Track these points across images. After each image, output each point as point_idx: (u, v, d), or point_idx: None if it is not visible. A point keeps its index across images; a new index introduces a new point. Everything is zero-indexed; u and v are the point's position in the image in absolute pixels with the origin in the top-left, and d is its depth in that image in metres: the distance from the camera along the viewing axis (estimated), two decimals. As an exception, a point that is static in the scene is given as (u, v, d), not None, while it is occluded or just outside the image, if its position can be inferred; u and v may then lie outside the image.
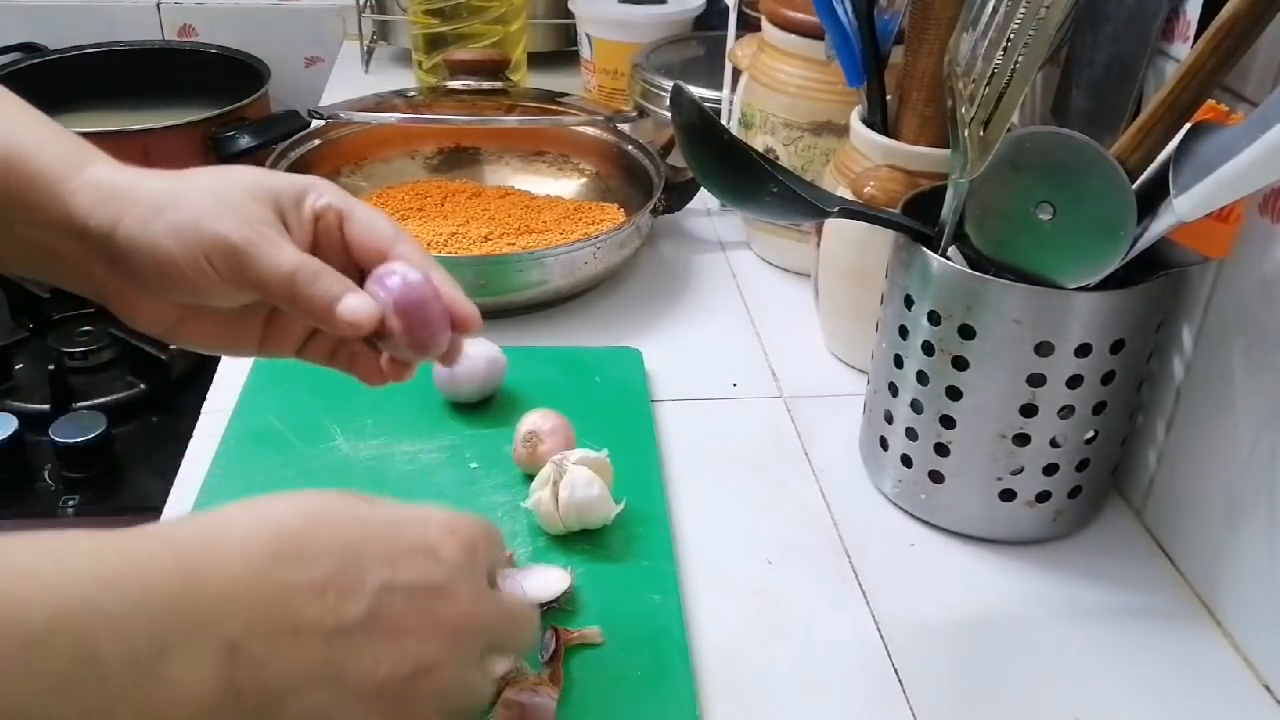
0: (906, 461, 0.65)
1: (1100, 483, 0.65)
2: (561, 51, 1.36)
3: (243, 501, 0.39)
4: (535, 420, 0.66)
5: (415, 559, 0.40)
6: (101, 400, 1.03)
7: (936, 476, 0.64)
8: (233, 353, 0.53)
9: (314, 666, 0.36)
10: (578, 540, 0.62)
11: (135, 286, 0.47)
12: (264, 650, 0.35)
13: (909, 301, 0.62)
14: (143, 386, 1.05)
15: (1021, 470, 0.62)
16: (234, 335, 0.51)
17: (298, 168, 0.95)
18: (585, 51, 1.21)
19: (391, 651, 0.38)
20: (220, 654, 0.35)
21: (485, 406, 0.73)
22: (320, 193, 0.49)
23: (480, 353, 0.71)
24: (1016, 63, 0.54)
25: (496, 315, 0.84)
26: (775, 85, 0.87)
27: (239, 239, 0.45)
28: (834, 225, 0.76)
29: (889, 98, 0.74)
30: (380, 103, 0.99)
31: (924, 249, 0.61)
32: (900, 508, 0.67)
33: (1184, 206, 0.51)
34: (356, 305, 0.46)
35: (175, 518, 0.38)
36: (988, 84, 0.55)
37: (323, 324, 0.47)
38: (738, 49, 0.93)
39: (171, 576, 0.34)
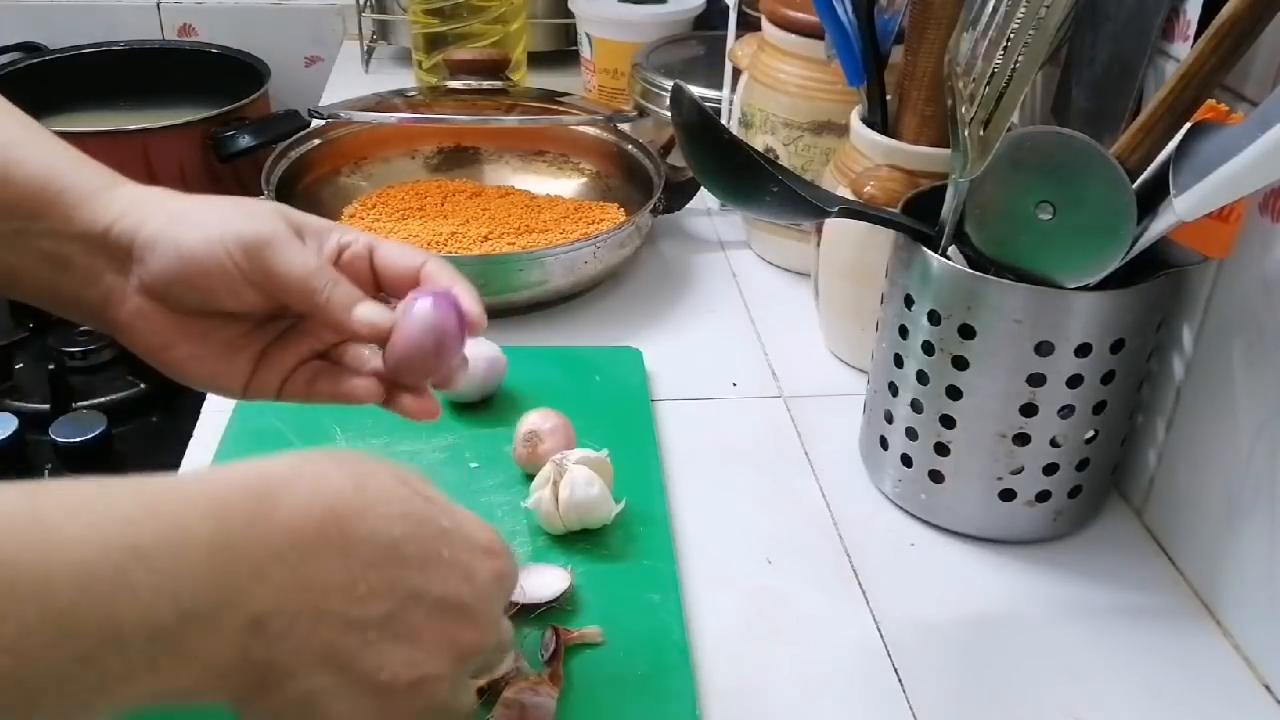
0: (906, 461, 0.65)
1: (1100, 482, 0.65)
2: (561, 51, 1.36)
3: (303, 458, 0.39)
4: (535, 420, 0.66)
5: (450, 575, 0.41)
6: (101, 400, 1.03)
7: (936, 476, 0.64)
8: (216, 387, 0.51)
9: (325, 652, 0.37)
10: (578, 540, 0.62)
11: (144, 291, 0.47)
12: (284, 628, 0.36)
13: (909, 301, 0.62)
14: (143, 386, 1.05)
15: (1021, 470, 0.62)
16: (224, 364, 0.50)
17: (298, 167, 0.95)
18: (585, 51, 1.21)
19: (400, 656, 0.39)
20: (242, 627, 0.35)
21: (485, 406, 0.73)
22: (347, 230, 0.51)
23: (480, 352, 0.71)
24: (1016, 62, 0.54)
25: (496, 315, 0.83)
26: (775, 85, 0.87)
27: (267, 230, 0.46)
28: (834, 225, 0.76)
29: (889, 97, 0.74)
30: (380, 102, 0.99)
31: (924, 249, 0.61)
32: (900, 507, 0.67)
33: (1184, 206, 0.51)
34: (372, 309, 0.47)
35: (232, 465, 0.38)
36: (988, 83, 0.55)
37: (337, 325, 0.47)
38: (738, 48, 0.93)
39: (209, 546, 0.34)
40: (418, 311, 0.47)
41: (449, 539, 0.41)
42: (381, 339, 0.48)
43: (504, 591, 0.44)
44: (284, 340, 0.51)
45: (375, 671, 0.38)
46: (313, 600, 0.37)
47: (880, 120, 0.74)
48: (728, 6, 0.96)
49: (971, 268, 0.60)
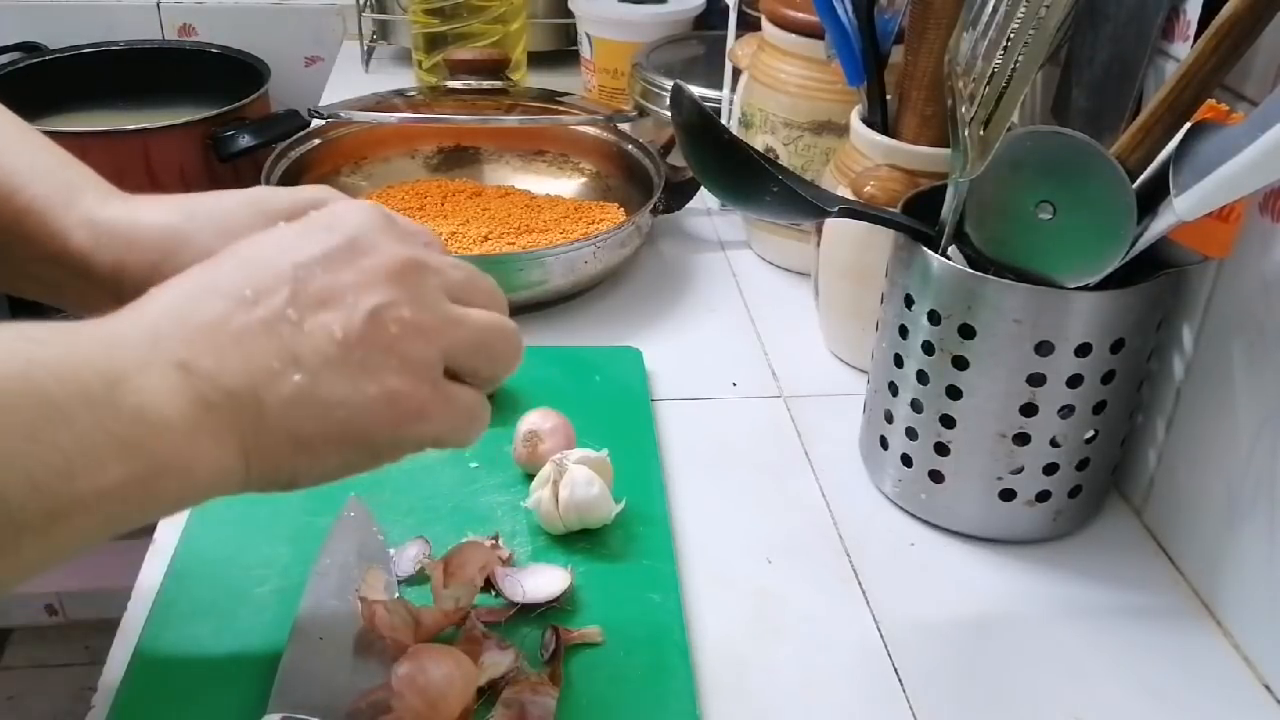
0: (906, 461, 0.65)
1: (1100, 482, 0.65)
2: (561, 51, 1.36)
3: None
4: (535, 420, 0.66)
5: (314, 235, 0.41)
6: (101, 400, 1.03)
7: (936, 476, 0.64)
8: None
9: (268, 356, 0.38)
10: (578, 540, 0.62)
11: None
12: (214, 363, 0.37)
13: (909, 301, 0.62)
14: (143, 386, 1.05)
15: (1021, 470, 0.62)
16: None
17: (298, 167, 0.95)
18: (585, 51, 1.21)
19: (336, 314, 0.39)
20: (173, 375, 0.36)
21: (485, 406, 0.73)
22: (321, 201, 0.49)
23: (480, 352, 0.71)
24: (1016, 62, 0.54)
25: (496, 315, 0.84)
26: (775, 84, 0.87)
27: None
28: (834, 225, 0.76)
29: (889, 97, 0.74)
30: (380, 102, 0.99)
31: (924, 248, 0.61)
32: (900, 507, 0.67)
33: (1184, 206, 0.51)
34: None
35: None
36: (988, 83, 0.55)
37: None
38: (738, 48, 0.93)
39: (97, 332, 0.36)
40: None
41: (295, 225, 0.42)
42: None
43: (385, 218, 0.43)
44: None
45: (327, 339, 0.39)
46: (218, 326, 0.38)
47: (880, 120, 0.74)
48: (728, 6, 0.96)
49: (971, 268, 0.60)
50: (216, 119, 1.23)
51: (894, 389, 0.65)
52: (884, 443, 0.67)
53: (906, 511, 0.67)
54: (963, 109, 0.56)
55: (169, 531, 0.61)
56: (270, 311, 0.38)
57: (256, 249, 0.41)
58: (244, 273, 0.39)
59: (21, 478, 0.32)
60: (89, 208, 0.47)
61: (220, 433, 0.37)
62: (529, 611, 0.56)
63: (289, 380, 0.38)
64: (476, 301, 0.44)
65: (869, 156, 0.74)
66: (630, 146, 0.99)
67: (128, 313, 0.38)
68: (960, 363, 0.60)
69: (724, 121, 0.95)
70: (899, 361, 0.64)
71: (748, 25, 0.98)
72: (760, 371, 0.81)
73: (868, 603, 0.61)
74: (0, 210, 0.47)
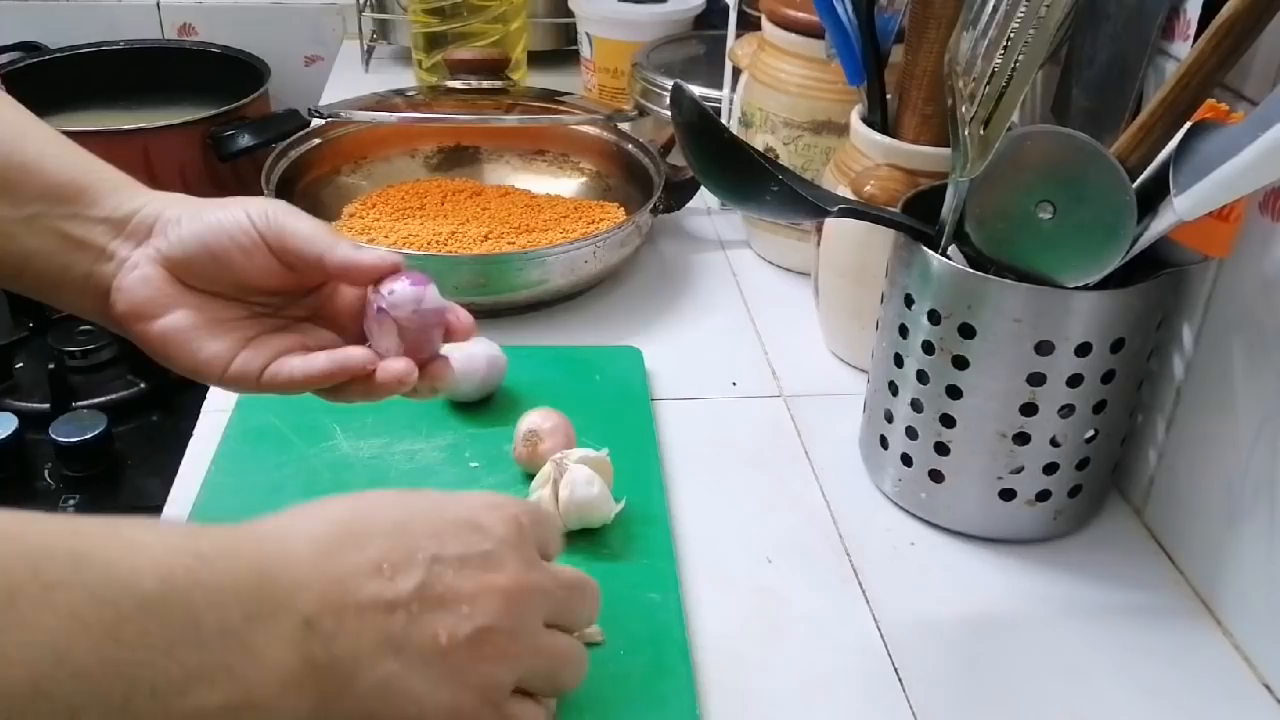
0: (906, 460, 0.65)
1: (1100, 482, 0.65)
2: (562, 50, 1.36)
3: (302, 504, 0.43)
4: (535, 419, 0.66)
5: (461, 533, 0.43)
6: (101, 400, 1.03)
7: (936, 475, 0.64)
8: (195, 364, 0.51)
9: (379, 637, 0.40)
10: (578, 539, 0.62)
11: (159, 260, 0.50)
12: (333, 625, 0.39)
13: (909, 300, 0.62)
14: (143, 386, 1.05)
15: (1021, 469, 0.62)
16: (211, 340, 0.51)
17: (298, 167, 0.95)
18: (585, 50, 1.21)
19: (448, 619, 0.41)
20: (298, 628, 0.38)
21: (485, 405, 0.73)
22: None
23: (480, 351, 0.71)
24: (1016, 62, 0.54)
25: (496, 314, 0.84)
26: (775, 84, 0.87)
27: (280, 203, 0.52)
28: (834, 224, 0.76)
29: (889, 97, 0.74)
30: (380, 102, 0.99)
31: (924, 248, 0.61)
32: (900, 506, 0.67)
33: (1184, 205, 0.51)
34: (373, 251, 0.52)
35: (248, 522, 0.42)
36: (988, 83, 0.55)
37: (340, 267, 0.51)
38: (738, 48, 0.93)
39: (254, 559, 0.39)
40: (402, 286, 0.51)
41: (448, 508, 0.45)
42: (383, 275, 0.51)
43: (525, 534, 0.45)
44: (275, 333, 0.53)
45: (432, 639, 0.41)
46: (349, 594, 0.40)
47: (880, 120, 0.74)
48: (728, 6, 0.96)
49: (971, 267, 0.60)
50: (216, 119, 1.23)
51: (894, 388, 0.65)
52: (884, 442, 0.67)
53: (906, 511, 0.67)
54: (963, 108, 0.56)
55: (169, 531, 0.61)
56: (397, 595, 0.41)
57: (411, 520, 0.43)
58: (391, 543, 0.42)
59: (145, 686, 0.34)
60: (151, 191, 0.53)
61: (309, 690, 0.39)
62: (529, 611, 0.56)
63: (386, 665, 0.40)
64: (571, 624, 0.47)
65: (869, 156, 0.74)
66: (630, 146, 0.99)
67: (278, 536, 0.40)
68: (960, 362, 0.60)
69: (724, 121, 0.95)
70: (899, 361, 0.64)
71: (748, 25, 0.98)
72: (760, 371, 0.81)
73: (868, 602, 0.61)
74: (72, 183, 0.51)
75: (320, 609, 0.39)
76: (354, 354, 0.51)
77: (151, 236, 0.51)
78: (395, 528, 0.42)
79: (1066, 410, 0.60)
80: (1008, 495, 0.63)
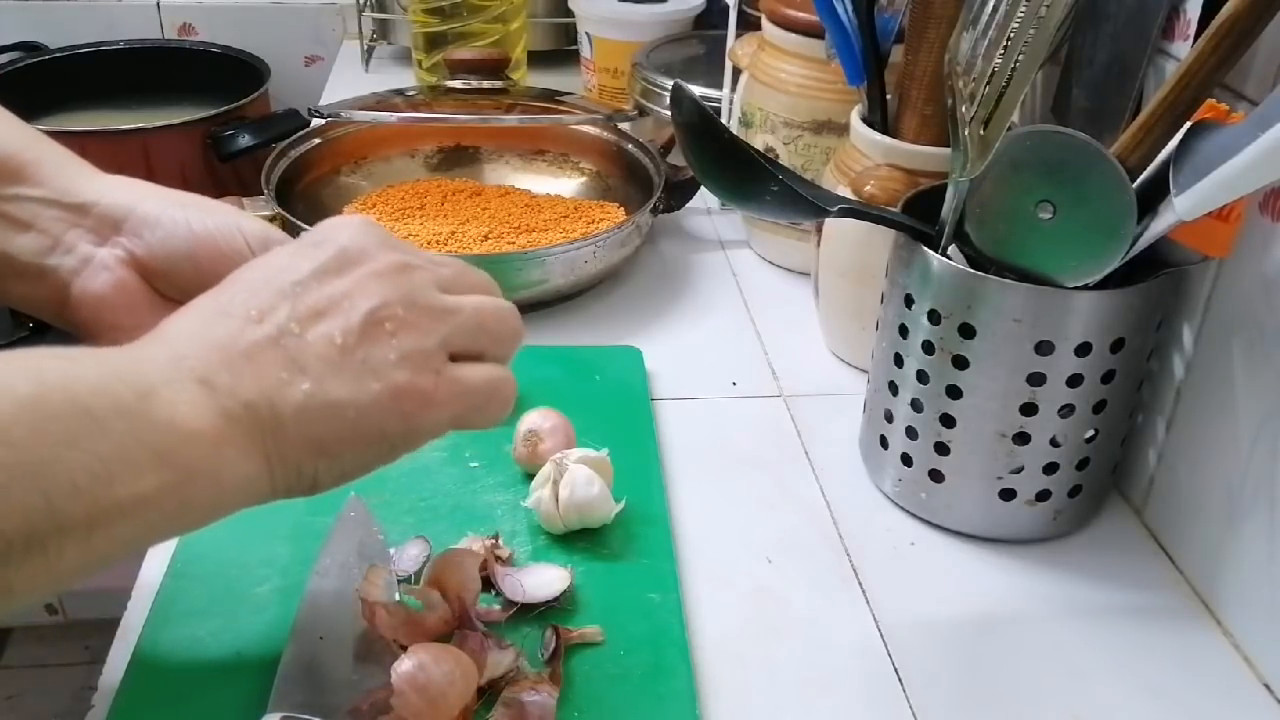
0: (906, 460, 0.65)
1: (1100, 482, 0.65)
2: (561, 50, 1.36)
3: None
4: (535, 419, 0.66)
5: (306, 253, 0.44)
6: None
7: (936, 475, 0.64)
8: None
9: (277, 368, 0.40)
10: (578, 539, 0.62)
11: (133, 264, 0.49)
12: (230, 378, 0.40)
13: (909, 300, 0.62)
14: (143, 385, 1.05)
15: (1021, 469, 0.62)
16: None
17: (298, 167, 0.95)
18: (585, 50, 1.21)
19: (334, 320, 0.42)
20: (197, 391, 0.39)
21: (485, 406, 0.73)
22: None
23: (480, 352, 0.71)
24: (1016, 62, 0.54)
25: (496, 314, 0.84)
26: (775, 84, 0.87)
27: (275, 229, 0.51)
28: (834, 224, 0.76)
29: (889, 97, 0.74)
30: (380, 102, 0.99)
31: (924, 248, 0.61)
32: (900, 506, 0.67)
33: (1184, 205, 0.51)
34: None
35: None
36: (988, 83, 0.55)
37: None
38: (738, 48, 0.93)
39: (127, 351, 0.39)
40: None
41: (289, 246, 0.45)
42: None
43: (381, 236, 0.45)
44: None
45: (328, 344, 0.41)
46: (230, 345, 0.40)
47: (880, 120, 0.74)
48: (728, 6, 0.96)
49: (971, 267, 0.60)
50: (216, 118, 1.22)
51: (894, 388, 0.65)
52: (884, 442, 0.67)
53: (906, 511, 0.67)
54: (963, 108, 0.56)
55: (169, 531, 0.61)
56: (274, 327, 0.41)
57: (257, 272, 0.44)
58: (248, 294, 0.42)
59: (64, 482, 0.34)
60: (105, 175, 0.51)
61: (243, 442, 0.39)
62: (529, 611, 0.56)
63: (298, 388, 0.40)
64: (468, 292, 0.47)
65: (869, 156, 0.74)
66: (630, 146, 0.99)
67: (149, 337, 0.41)
68: (960, 362, 0.60)
69: (724, 121, 0.95)
70: (899, 361, 0.64)
71: (748, 25, 0.98)
72: (760, 371, 0.81)
73: (868, 602, 0.61)
74: (9, 160, 0.49)
75: (208, 369, 0.39)
76: None
77: (120, 234, 0.49)
78: (250, 283, 0.43)
79: (1066, 410, 0.60)
80: (1008, 495, 0.63)
